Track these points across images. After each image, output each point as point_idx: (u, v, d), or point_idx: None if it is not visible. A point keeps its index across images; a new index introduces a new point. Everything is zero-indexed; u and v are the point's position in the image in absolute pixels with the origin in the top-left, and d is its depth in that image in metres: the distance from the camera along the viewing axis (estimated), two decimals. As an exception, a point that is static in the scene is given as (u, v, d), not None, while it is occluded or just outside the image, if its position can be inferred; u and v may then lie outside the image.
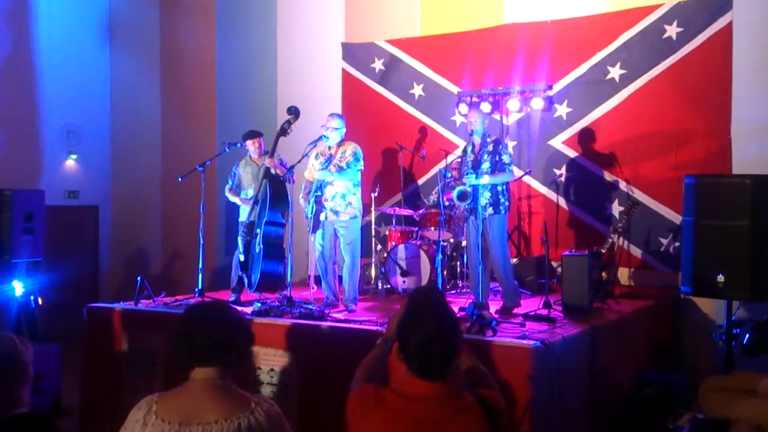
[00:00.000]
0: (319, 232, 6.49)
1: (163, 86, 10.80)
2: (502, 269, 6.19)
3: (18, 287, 6.73)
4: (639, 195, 7.60)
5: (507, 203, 6.26)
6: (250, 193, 7.02)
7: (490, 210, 6.09)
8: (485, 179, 6.01)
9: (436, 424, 2.41)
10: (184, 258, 9.66)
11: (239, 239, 6.84)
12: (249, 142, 7.21)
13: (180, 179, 6.99)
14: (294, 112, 6.51)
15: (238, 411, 2.34)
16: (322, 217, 6.42)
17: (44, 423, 2.79)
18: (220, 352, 2.41)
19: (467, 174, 6.13)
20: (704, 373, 6.60)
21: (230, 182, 7.27)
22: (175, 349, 2.46)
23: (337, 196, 6.39)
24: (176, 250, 10.27)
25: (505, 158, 6.17)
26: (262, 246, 6.43)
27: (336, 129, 6.46)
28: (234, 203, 7.33)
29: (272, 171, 6.63)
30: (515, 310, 6.10)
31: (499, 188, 6.18)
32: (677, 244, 7.34)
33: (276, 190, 6.48)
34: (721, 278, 5.06)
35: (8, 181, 7.88)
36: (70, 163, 10.62)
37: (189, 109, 10.48)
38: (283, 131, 6.52)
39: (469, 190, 6.05)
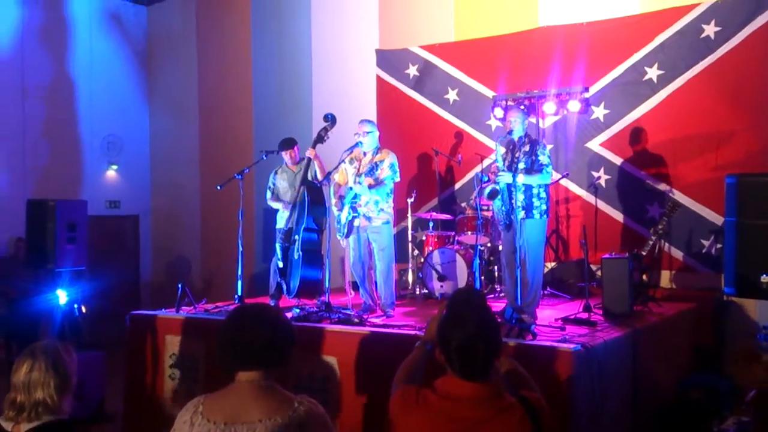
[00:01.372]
0: (352, 238, 6.52)
1: (201, 97, 10.96)
2: (530, 277, 5.87)
3: (62, 296, 6.87)
4: (679, 196, 7.49)
5: (544, 207, 6.01)
6: (288, 199, 7.08)
7: (522, 213, 5.85)
8: (520, 178, 5.80)
9: (479, 425, 2.41)
10: (222, 265, 9.77)
11: (277, 246, 6.90)
12: (284, 153, 7.26)
13: (219, 188, 7.08)
14: (330, 119, 6.56)
15: (282, 410, 2.36)
16: (356, 222, 6.44)
17: (69, 430, 2.83)
18: (263, 355, 2.43)
19: (501, 172, 5.99)
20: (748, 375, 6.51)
21: (269, 192, 7.36)
22: (219, 352, 2.49)
23: (371, 203, 6.40)
24: (215, 258, 10.39)
25: (543, 159, 5.97)
26: (300, 252, 6.48)
27: (368, 133, 6.47)
28: (274, 210, 7.41)
29: (309, 175, 6.69)
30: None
31: (534, 191, 5.95)
32: (719, 245, 7.22)
33: (313, 197, 6.53)
34: (764, 278, 4.95)
35: (52, 192, 8.08)
36: (111, 173, 10.85)
37: (226, 118, 10.63)
38: (320, 138, 6.58)
39: (499, 188, 5.94)
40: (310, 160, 6.71)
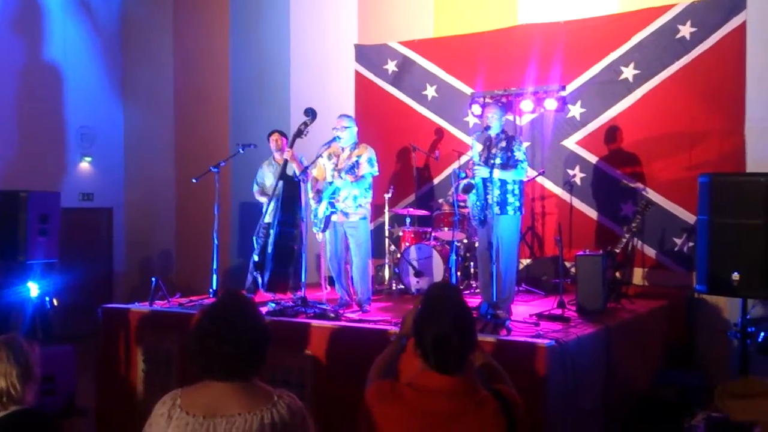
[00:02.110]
0: (329, 233, 6.51)
1: (176, 88, 10.86)
2: (503, 273, 5.84)
3: (33, 288, 6.78)
4: (653, 195, 7.57)
5: (518, 204, 6.02)
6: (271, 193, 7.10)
7: (496, 209, 5.85)
8: (496, 173, 5.80)
9: (453, 418, 2.42)
10: (197, 259, 9.70)
11: (255, 239, 6.89)
12: (271, 138, 7.40)
13: (194, 180, 7.03)
14: (311, 114, 6.53)
15: (262, 404, 2.35)
16: (333, 218, 6.43)
17: (39, 418, 2.84)
18: (236, 370, 2.37)
19: (477, 166, 6.00)
20: (719, 372, 6.60)
21: (256, 185, 7.39)
22: (190, 362, 2.41)
23: (349, 198, 6.39)
24: (190, 251, 10.31)
25: (518, 155, 5.98)
26: (273, 247, 6.46)
27: (346, 128, 6.47)
28: (252, 204, 7.45)
29: (288, 172, 6.68)
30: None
31: (509, 187, 5.95)
32: (691, 243, 7.31)
33: (289, 192, 6.51)
34: (736, 276, 5.04)
35: (24, 183, 7.95)
36: (85, 165, 10.72)
37: (202, 111, 10.54)
38: (299, 132, 6.56)
39: (474, 182, 5.97)
40: (287, 161, 6.71)
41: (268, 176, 7.33)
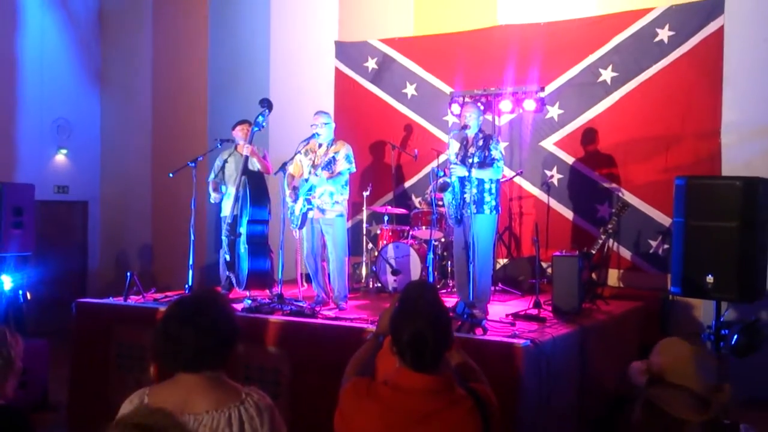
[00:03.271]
0: (305, 230, 6.48)
1: (155, 81, 10.77)
2: (478, 272, 5.81)
3: (6, 281, 6.70)
4: (629, 197, 7.64)
5: (494, 203, 6.04)
6: (231, 185, 7.01)
7: (473, 208, 5.86)
8: (473, 173, 5.82)
9: (429, 416, 2.42)
10: (173, 254, 9.63)
11: (223, 238, 6.83)
12: (238, 128, 7.22)
13: (171, 175, 6.97)
14: (266, 104, 6.48)
15: (229, 402, 2.33)
16: (310, 215, 6.41)
17: (12, 414, 2.76)
18: (203, 360, 2.34)
19: (454, 166, 5.99)
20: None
21: (213, 174, 7.25)
22: (158, 355, 2.38)
23: (325, 194, 6.38)
24: (165, 246, 10.23)
25: (495, 154, 6.00)
26: (247, 245, 6.43)
27: (325, 124, 6.45)
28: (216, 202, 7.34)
29: (250, 166, 6.62)
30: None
31: (486, 186, 5.97)
32: (666, 246, 7.39)
33: (255, 186, 6.46)
34: (710, 279, 5.10)
35: (-2, 175, 7.85)
36: (60, 158, 10.60)
37: (180, 105, 10.46)
38: (258, 124, 6.51)
39: (450, 181, 5.98)
40: (248, 157, 6.66)
41: (229, 166, 7.17)
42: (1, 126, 9.72)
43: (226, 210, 6.97)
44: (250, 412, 2.33)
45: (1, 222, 6.54)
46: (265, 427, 2.34)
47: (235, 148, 7.25)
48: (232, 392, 2.38)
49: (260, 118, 6.49)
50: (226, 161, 7.22)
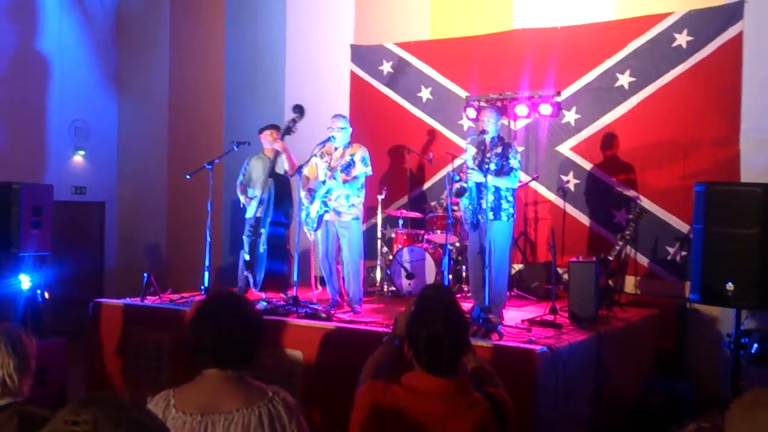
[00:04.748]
0: (320, 233, 6.49)
1: (172, 84, 10.82)
2: (494, 278, 5.81)
3: (25, 281, 6.73)
4: (646, 203, 7.58)
5: (511, 210, 6.05)
6: (257, 188, 7.04)
7: (490, 214, 5.86)
8: (489, 179, 5.81)
9: (445, 420, 2.41)
10: (189, 255, 9.66)
11: (244, 238, 6.85)
12: (266, 132, 7.27)
13: (188, 177, 7.01)
14: (299, 111, 6.51)
15: (257, 400, 2.34)
16: (326, 217, 6.41)
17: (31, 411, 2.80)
18: (234, 354, 2.38)
19: (471, 170, 5.99)
20: (710, 382, 6.61)
21: (241, 176, 7.34)
22: (187, 350, 2.42)
23: (341, 197, 6.38)
24: (181, 248, 10.27)
25: (513, 163, 6.01)
26: (266, 246, 6.44)
27: (342, 129, 6.46)
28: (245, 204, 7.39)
29: (277, 169, 6.65)
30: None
31: (503, 193, 5.98)
32: (684, 253, 7.33)
33: (280, 190, 6.48)
34: (730, 286, 5.04)
35: (17, 176, 7.90)
36: (78, 159, 10.67)
37: (196, 107, 10.50)
38: (288, 129, 6.53)
39: (466, 186, 5.96)
40: (278, 152, 6.68)
41: (256, 168, 7.25)
42: (20, 127, 9.80)
43: (251, 212, 7.01)
44: (279, 409, 2.34)
45: (20, 222, 6.59)
46: (293, 424, 2.35)
47: (262, 151, 7.30)
48: (258, 391, 2.39)
49: (291, 124, 6.50)
50: (252, 164, 7.27)
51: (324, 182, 6.39)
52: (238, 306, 2.48)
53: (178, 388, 2.41)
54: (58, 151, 10.35)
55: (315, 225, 6.41)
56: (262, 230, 6.50)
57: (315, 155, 6.49)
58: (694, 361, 7.05)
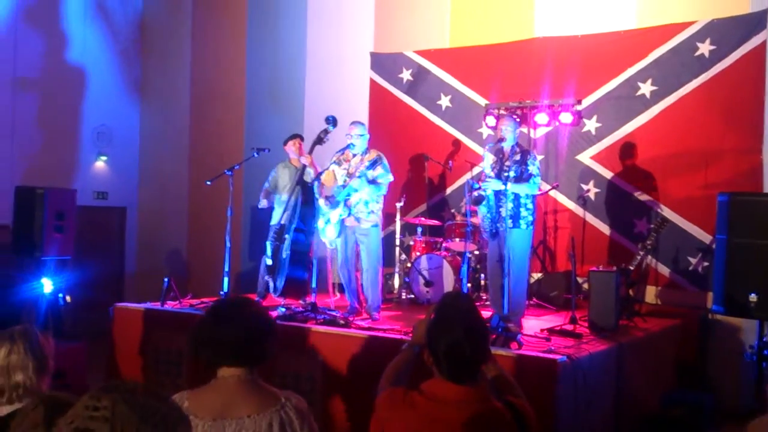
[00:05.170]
0: (339, 240, 6.50)
1: (193, 91, 10.91)
2: (513, 286, 5.79)
3: (47, 284, 6.80)
4: (667, 212, 7.51)
5: (531, 218, 6.02)
6: (284, 195, 7.09)
7: (509, 222, 5.84)
8: (508, 187, 5.79)
9: (465, 428, 2.40)
10: (208, 261, 9.72)
11: (267, 243, 6.88)
12: (290, 142, 7.37)
13: (208, 183, 7.06)
14: (331, 121, 6.53)
15: (270, 405, 2.34)
16: (346, 222, 6.43)
17: None
18: (242, 351, 2.41)
19: (489, 179, 5.99)
20: (731, 394, 6.53)
21: (267, 183, 7.41)
22: (197, 349, 2.46)
23: (361, 203, 6.39)
24: (201, 253, 10.33)
25: (533, 169, 5.99)
26: (289, 252, 6.46)
27: (360, 136, 6.48)
28: (264, 209, 7.46)
29: (305, 177, 6.69)
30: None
31: (522, 200, 5.96)
32: (706, 263, 7.25)
33: (306, 198, 6.51)
34: (753, 298, 5.00)
35: (41, 180, 7.99)
36: (100, 164, 10.77)
37: (217, 114, 10.58)
38: (319, 140, 6.56)
39: (485, 194, 5.95)
40: (305, 166, 6.72)
41: (282, 176, 7.35)
42: (44, 132, 9.92)
43: (276, 218, 7.07)
44: (290, 415, 2.35)
45: (43, 226, 6.67)
46: (305, 430, 2.36)
47: (289, 160, 7.41)
48: (271, 396, 2.39)
49: (323, 134, 6.54)
50: (279, 172, 7.38)
51: (344, 186, 6.39)
52: (243, 306, 2.54)
53: (192, 390, 2.42)
54: (80, 156, 10.47)
55: (336, 233, 6.42)
56: (286, 236, 6.53)
57: (334, 162, 6.51)
58: (715, 372, 6.98)
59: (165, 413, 1.35)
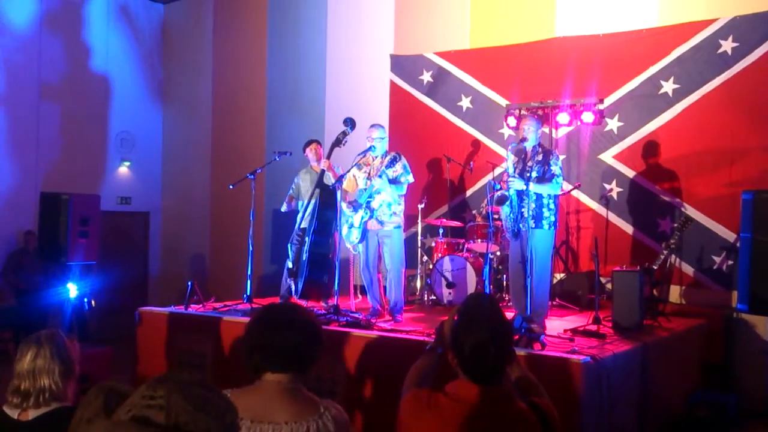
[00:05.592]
0: (362, 244, 6.51)
1: (215, 96, 10.99)
2: (536, 287, 5.71)
3: (72, 289, 6.88)
4: (692, 211, 7.45)
5: (553, 218, 5.98)
6: (306, 200, 7.14)
7: (531, 223, 5.79)
8: (531, 187, 5.76)
9: (490, 429, 2.39)
10: (231, 264, 9.79)
11: (289, 246, 6.92)
12: (308, 148, 7.53)
13: (231, 187, 7.11)
14: (350, 123, 6.55)
15: (308, 414, 2.32)
16: (369, 225, 6.44)
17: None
18: (294, 357, 2.39)
19: (512, 178, 5.96)
20: (756, 394, 6.46)
21: (291, 190, 7.52)
22: (248, 353, 2.42)
23: (384, 205, 6.40)
24: (223, 257, 10.41)
25: (555, 169, 5.94)
26: (308, 254, 6.49)
27: (381, 139, 6.50)
28: (286, 212, 7.54)
29: (324, 180, 6.72)
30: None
31: (545, 201, 5.91)
32: (730, 262, 7.19)
33: (325, 200, 6.54)
34: (779, 296, 4.94)
35: (65, 186, 8.10)
36: (123, 170, 10.89)
37: (239, 119, 10.66)
38: (338, 142, 6.59)
39: (507, 194, 5.93)
40: (324, 171, 6.75)
41: (305, 182, 7.46)
42: (68, 138, 10.05)
43: (304, 222, 7.11)
44: (328, 426, 2.32)
45: (68, 232, 6.73)
46: None
47: (310, 165, 7.55)
48: (311, 405, 2.38)
49: (341, 136, 6.58)
50: (301, 178, 7.52)
51: (366, 189, 6.41)
52: (295, 312, 2.52)
53: (234, 390, 2.42)
54: (104, 162, 10.60)
55: (360, 237, 6.44)
56: (306, 239, 6.56)
57: (356, 165, 6.53)
58: (740, 372, 6.89)
59: (217, 403, 1.43)
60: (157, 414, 1.35)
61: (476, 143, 8.97)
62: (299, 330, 2.42)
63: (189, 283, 6.56)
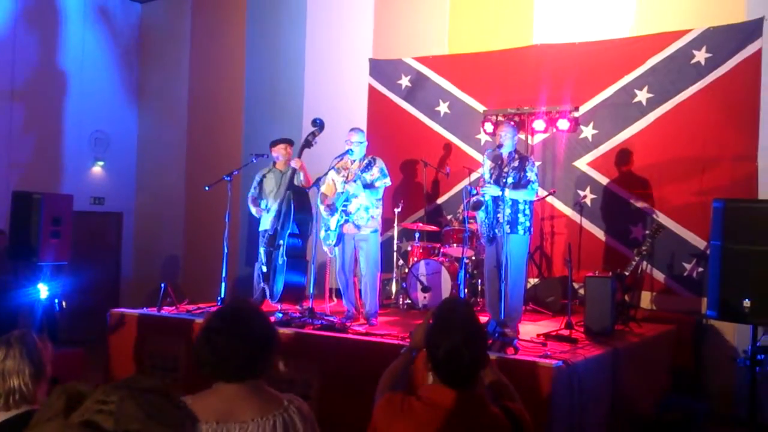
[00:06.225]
0: (338, 247, 6.51)
1: (192, 96, 10.93)
2: (510, 291, 5.78)
3: (43, 290, 6.80)
4: (663, 219, 7.56)
5: (528, 224, 6.03)
6: (270, 200, 7.08)
7: (506, 228, 5.84)
8: (506, 193, 5.79)
9: (464, 433, 2.41)
10: (205, 266, 9.73)
11: (261, 250, 6.88)
12: (281, 146, 7.31)
13: (207, 188, 7.07)
14: (318, 124, 6.56)
15: (273, 409, 2.33)
16: (345, 228, 6.44)
17: None
18: (245, 370, 2.33)
19: (487, 184, 6.00)
20: (725, 399, 6.56)
21: (253, 190, 7.36)
22: (199, 363, 2.37)
23: (361, 209, 6.41)
24: (198, 259, 10.34)
25: (530, 176, 6.01)
26: (285, 258, 6.47)
27: (360, 143, 6.50)
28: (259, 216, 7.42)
29: (295, 181, 6.69)
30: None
31: (520, 206, 5.96)
32: (701, 269, 7.30)
33: (299, 202, 6.52)
34: (747, 303, 5.03)
35: (37, 185, 8.00)
36: (97, 169, 10.79)
37: (215, 120, 10.60)
38: (308, 143, 6.58)
39: (483, 199, 5.97)
40: (295, 170, 6.72)
41: (269, 182, 7.26)
42: (41, 137, 9.93)
43: (266, 224, 7.03)
44: (294, 418, 2.34)
45: (40, 231, 6.66)
46: None
47: (274, 164, 7.33)
48: (274, 399, 2.38)
49: (310, 137, 6.55)
50: (264, 177, 7.31)
51: (343, 192, 6.41)
52: (249, 320, 2.39)
53: (194, 395, 2.40)
54: (77, 161, 10.48)
55: (335, 240, 6.44)
56: (281, 242, 6.54)
57: (333, 168, 6.53)
58: (710, 377, 7.01)
59: (172, 412, 1.37)
60: (107, 419, 1.29)
61: (453, 148, 9.01)
62: (250, 341, 2.32)
63: (162, 285, 6.51)
